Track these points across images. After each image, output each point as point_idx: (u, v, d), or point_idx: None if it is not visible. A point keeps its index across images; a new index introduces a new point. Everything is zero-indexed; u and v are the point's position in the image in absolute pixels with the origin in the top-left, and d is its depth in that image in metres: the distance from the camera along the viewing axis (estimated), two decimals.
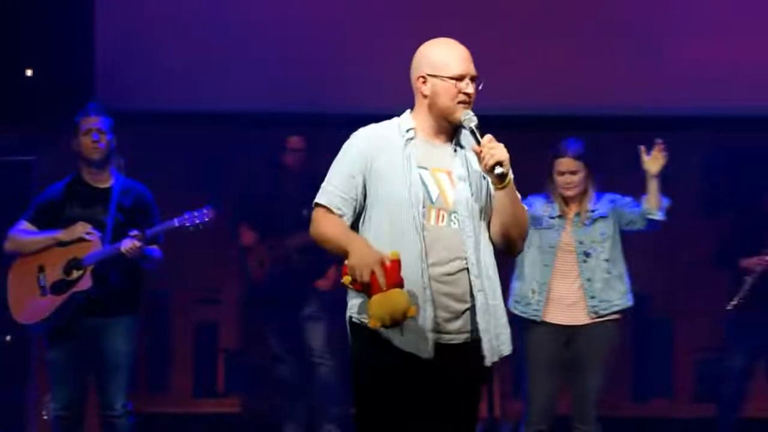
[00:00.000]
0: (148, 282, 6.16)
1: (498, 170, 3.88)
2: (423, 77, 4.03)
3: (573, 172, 5.96)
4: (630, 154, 6.09)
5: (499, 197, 3.98)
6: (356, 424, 4.02)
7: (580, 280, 5.89)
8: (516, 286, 5.97)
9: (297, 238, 7.40)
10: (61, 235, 5.90)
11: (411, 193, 3.96)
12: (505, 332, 4.06)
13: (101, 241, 5.88)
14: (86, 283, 5.84)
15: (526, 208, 4.09)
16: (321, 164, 7.86)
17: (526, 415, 5.96)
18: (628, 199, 6.04)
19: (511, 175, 3.95)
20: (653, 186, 5.92)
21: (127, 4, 8.04)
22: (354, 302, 4.02)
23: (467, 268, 3.96)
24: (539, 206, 5.98)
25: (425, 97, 4.03)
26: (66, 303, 5.86)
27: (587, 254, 5.90)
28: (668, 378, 8.36)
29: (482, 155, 3.90)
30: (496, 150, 3.88)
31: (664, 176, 5.98)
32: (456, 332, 3.98)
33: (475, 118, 3.97)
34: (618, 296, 5.92)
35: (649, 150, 5.96)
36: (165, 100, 7.89)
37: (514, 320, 5.99)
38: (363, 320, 3.95)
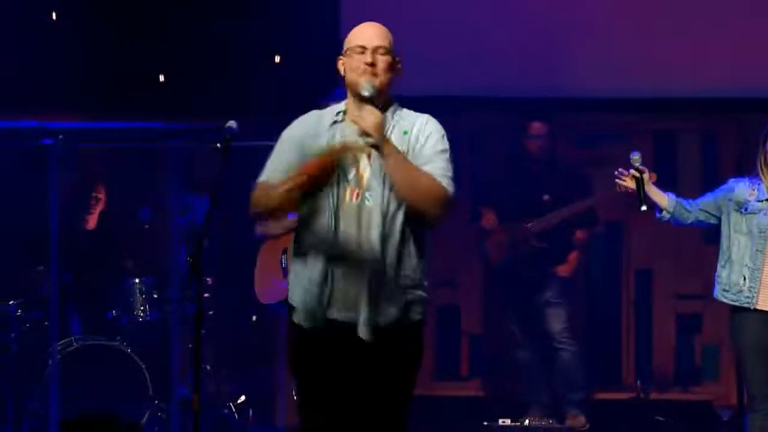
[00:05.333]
0: None
1: (367, 140, 4.01)
2: (340, 58, 4.22)
3: None
4: None
5: (384, 165, 4.05)
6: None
7: None
8: (723, 274, 5.76)
9: (537, 223, 7.39)
10: None
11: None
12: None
13: None
14: None
15: (429, 175, 4.07)
16: (562, 150, 7.88)
17: (749, 400, 5.78)
18: None
19: (388, 144, 4.02)
20: None
21: None
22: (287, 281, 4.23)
23: (382, 247, 4.06)
24: (743, 190, 5.74)
25: (343, 78, 4.21)
26: None
27: None
28: None
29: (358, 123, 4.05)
30: (361, 119, 4.02)
31: None
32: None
33: (372, 88, 4.09)
34: None
35: None
36: (405, 85, 7.95)
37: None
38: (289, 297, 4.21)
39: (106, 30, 8.09)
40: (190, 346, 6.76)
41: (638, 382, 8.30)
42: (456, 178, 4.18)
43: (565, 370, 7.51)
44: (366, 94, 4.10)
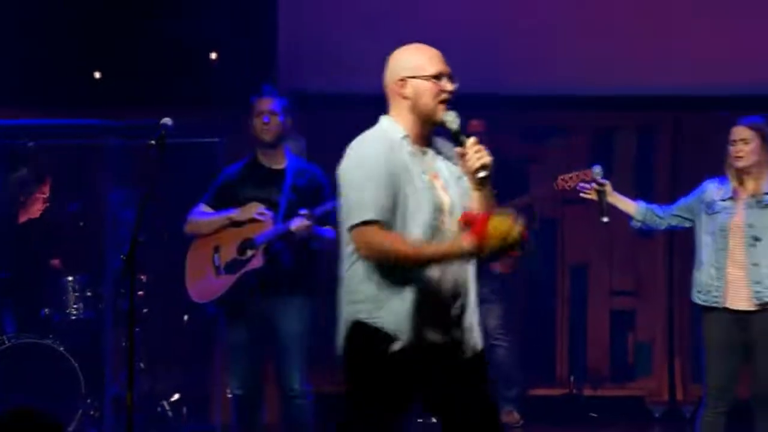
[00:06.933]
0: (323, 263, 6.19)
1: (482, 174, 3.97)
2: (402, 80, 4.07)
3: (744, 141, 5.76)
4: None
5: (478, 198, 4.04)
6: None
7: (747, 264, 5.70)
8: (696, 276, 5.83)
9: None
10: (235, 214, 5.98)
11: (428, 198, 4.01)
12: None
13: (274, 221, 5.92)
14: (258, 262, 5.91)
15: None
16: (502, 147, 7.90)
17: (705, 395, 5.84)
18: None
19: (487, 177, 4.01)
20: None
21: None
22: (364, 306, 4.01)
23: (467, 274, 4.07)
24: (712, 190, 5.82)
25: (406, 99, 4.06)
26: (238, 282, 5.94)
27: (756, 239, 5.70)
28: None
29: (467, 158, 3.97)
30: (482, 153, 3.97)
31: None
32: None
33: (458, 119, 4.02)
34: None
35: None
36: (347, 82, 7.95)
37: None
38: (375, 321, 3.99)
39: (44, 27, 8.02)
40: (123, 344, 6.72)
41: (572, 378, 8.37)
42: None
43: (500, 367, 7.54)
44: (456, 126, 4.04)
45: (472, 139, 4.00)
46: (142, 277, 7.32)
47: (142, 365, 7.35)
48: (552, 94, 8.00)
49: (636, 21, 8.04)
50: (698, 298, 5.82)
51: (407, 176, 4.00)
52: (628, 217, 5.97)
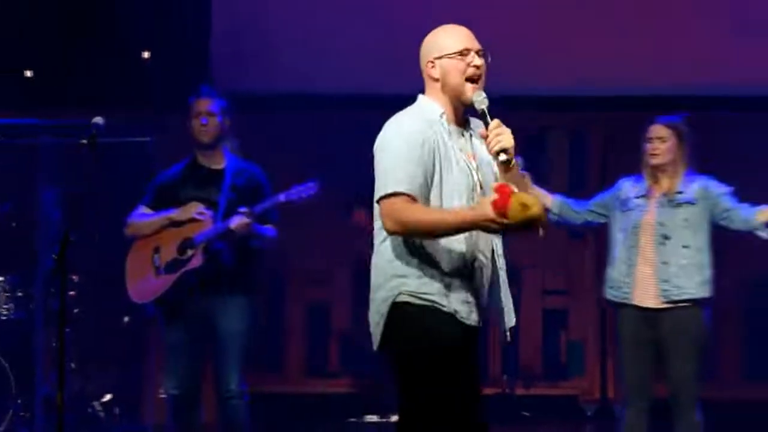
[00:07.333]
0: (263, 262, 6.20)
1: (502, 157, 3.92)
2: (431, 62, 4.07)
3: (661, 139, 5.83)
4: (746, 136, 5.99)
5: (504, 180, 3.98)
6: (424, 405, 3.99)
7: (656, 262, 5.77)
8: (608, 272, 5.88)
9: None
10: (174, 214, 5.98)
11: (465, 178, 4.00)
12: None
13: (213, 220, 5.92)
14: (197, 262, 5.90)
15: (535, 189, 4.10)
16: None
17: (624, 394, 5.90)
18: (724, 189, 5.83)
19: (515, 160, 3.96)
20: None
21: None
22: (407, 281, 3.97)
23: (493, 249, 4.05)
24: (627, 187, 5.87)
25: (436, 80, 4.06)
26: (178, 282, 5.93)
27: (666, 237, 5.75)
28: None
29: (488, 141, 3.94)
30: (502, 136, 3.92)
31: None
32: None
33: (486, 100, 4.00)
34: (692, 285, 5.73)
35: None
36: (281, 81, 7.95)
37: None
38: (421, 296, 3.94)
39: None
40: (54, 344, 6.68)
41: (505, 377, 8.42)
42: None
43: None
44: (484, 107, 4.00)
45: (495, 122, 3.96)
46: (74, 277, 7.27)
47: (73, 365, 7.31)
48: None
49: (570, 20, 8.09)
50: (609, 293, 5.87)
51: (445, 154, 3.97)
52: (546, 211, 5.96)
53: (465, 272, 3.97)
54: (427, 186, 3.94)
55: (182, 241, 5.95)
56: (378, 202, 3.99)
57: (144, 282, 6.04)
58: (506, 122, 4.00)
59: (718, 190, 5.83)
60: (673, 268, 5.73)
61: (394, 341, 4.05)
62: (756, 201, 5.76)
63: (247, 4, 8.09)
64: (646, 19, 8.08)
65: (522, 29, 8.06)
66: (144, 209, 6.09)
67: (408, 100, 7.28)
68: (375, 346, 4.14)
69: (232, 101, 6.17)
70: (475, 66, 4.03)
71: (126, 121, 7.43)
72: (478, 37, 4.09)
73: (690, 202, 5.78)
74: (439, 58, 4.05)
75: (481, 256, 4.01)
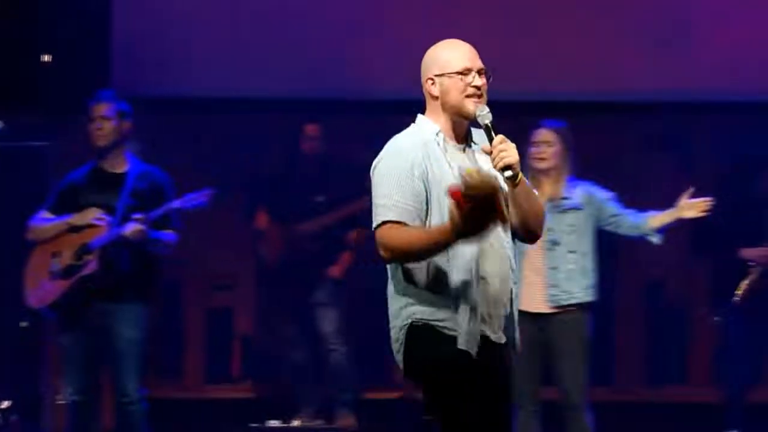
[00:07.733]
0: (162, 267, 6.18)
1: (507, 174, 3.86)
2: (431, 79, 4.03)
3: (548, 143, 5.90)
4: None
5: (513, 195, 3.94)
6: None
7: (544, 267, 5.84)
8: None
9: (309, 224, 7.47)
10: (72, 219, 5.97)
11: None
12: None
13: (111, 226, 5.92)
14: (92, 268, 5.89)
15: (538, 197, 4.10)
16: (337, 151, 7.92)
17: (516, 397, 5.97)
18: (608, 194, 5.94)
19: (521, 175, 3.92)
20: (669, 217, 5.84)
21: None
22: (419, 308, 3.96)
23: (511, 268, 4.01)
24: None
25: (436, 98, 4.02)
26: (73, 287, 5.91)
27: (555, 242, 5.83)
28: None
29: (492, 156, 3.88)
30: (506, 152, 3.86)
31: None
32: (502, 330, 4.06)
33: (489, 115, 3.94)
34: (579, 289, 5.83)
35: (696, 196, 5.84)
36: (182, 85, 7.92)
37: None
38: (433, 322, 3.93)
39: None
40: None
41: (406, 382, 8.44)
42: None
43: (335, 372, 7.59)
44: (488, 122, 3.91)
45: (499, 137, 3.89)
46: None
47: None
48: (400, 98, 7.97)
49: (472, 23, 8.08)
50: None
51: (441, 172, 3.92)
52: None
53: (475, 292, 3.92)
54: (423, 208, 3.91)
55: (79, 246, 5.94)
56: (373, 232, 3.96)
57: (40, 287, 6.01)
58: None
59: (603, 195, 5.93)
60: (562, 273, 5.82)
61: (416, 368, 4.06)
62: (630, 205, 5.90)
63: (148, 8, 8.04)
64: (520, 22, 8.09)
65: (434, 35, 8.03)
66: (45, 213, 6.07)
67: (305, 102, 7.22)
68: (402, 374, 4.14)
69: (132, 105, 6.14)
70: (475, 86, 3.98)
71: (27, 126, 7.36)
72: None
73: (577, 208, 5.86)
74: (440, 75, 4.01)
75: (491, 275, 3.95)
